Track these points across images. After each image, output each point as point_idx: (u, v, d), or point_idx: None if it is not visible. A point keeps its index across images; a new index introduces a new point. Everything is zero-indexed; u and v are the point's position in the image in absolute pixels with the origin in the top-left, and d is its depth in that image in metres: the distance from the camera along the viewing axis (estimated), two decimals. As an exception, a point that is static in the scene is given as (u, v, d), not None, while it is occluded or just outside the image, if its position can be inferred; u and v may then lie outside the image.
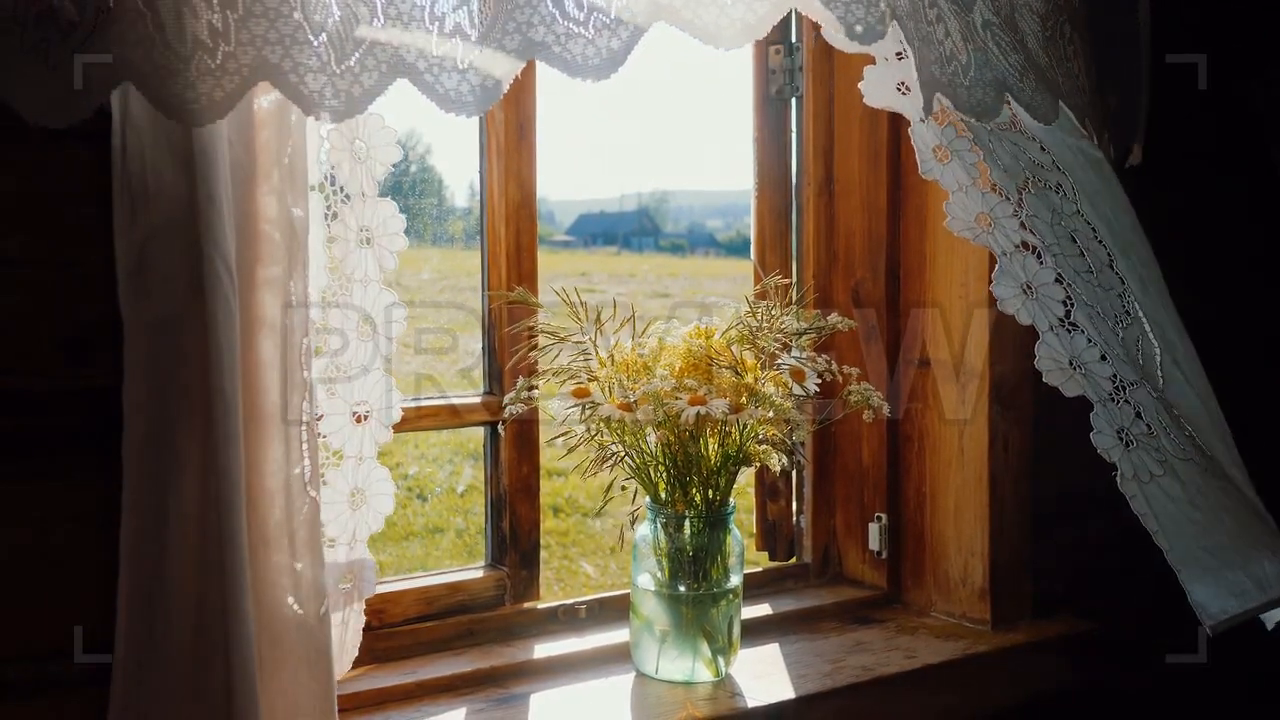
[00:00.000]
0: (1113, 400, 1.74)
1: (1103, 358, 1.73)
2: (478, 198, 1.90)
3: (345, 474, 1.54)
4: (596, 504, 4.36)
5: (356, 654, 1.60)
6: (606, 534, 4.33)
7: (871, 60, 1.72)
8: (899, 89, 1.71)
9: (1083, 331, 1.74)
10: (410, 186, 1.93)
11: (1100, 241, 1.74)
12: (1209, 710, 2.25)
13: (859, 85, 1.74)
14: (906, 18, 1.53)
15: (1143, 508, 1.74)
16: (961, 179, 1.73)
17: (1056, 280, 1.73)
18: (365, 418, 1.55)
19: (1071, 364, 1.74)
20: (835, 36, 1.52)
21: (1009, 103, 1.68)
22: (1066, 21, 1.78)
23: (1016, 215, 1.73)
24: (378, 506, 1.57)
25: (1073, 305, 1.74)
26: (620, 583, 3.88)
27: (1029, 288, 1.74)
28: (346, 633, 1.57)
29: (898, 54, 1.67)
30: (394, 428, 1.58)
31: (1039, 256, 1.73)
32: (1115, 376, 1.74)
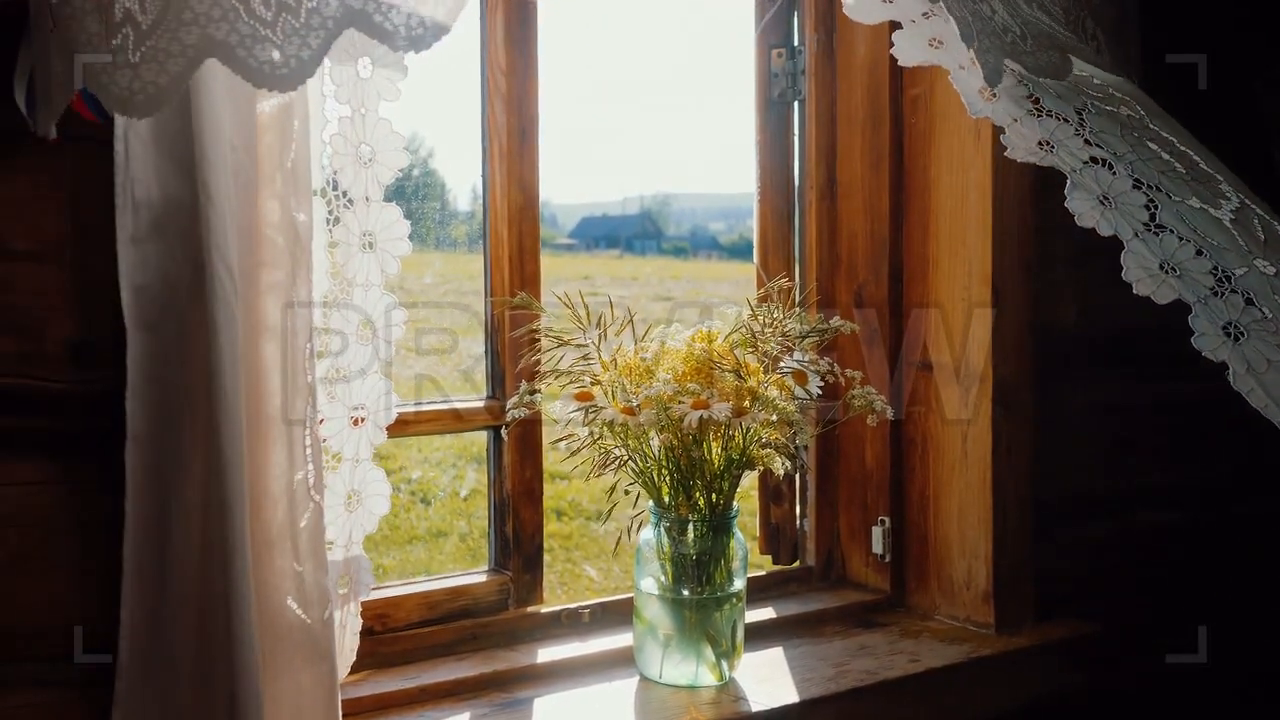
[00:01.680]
0: (1215, 295, 1.64)
1: (1199, 253, 1.65)
2: (480, 201, 1.90)
3: (343, 476, 1.54)
4: (599, 507, 4.36)
5: (354, 657, 1.59)
6: (609, 537, 4.32)
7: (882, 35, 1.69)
8: (931, 44, 1.67)
9: (1172, 231, 1.65)
10: (413, 190, 1.93)
11: (1183, 149, 1.68)
12: (1213, 713, 2.25)
13: (890, 51, 1.71)
14: None
15: (1262, 400, 1.64)
16: (1014, 111, 1.67)
17: (1135, 186, 1.66)
18: (362, 421, 1.55)
19: (1163, 268, 1.65)
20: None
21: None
22: (1089, 17, 1.77)
23: (1079, 134, 1.67)
24: (372, 508, 1.57)
25: (1157, 208, 1.65)
26: (623, 586, 3.87)
27: (1106, 199, 1.66)
28: (344, 635, 1.57)
29: (924, 14, 1.66)
30: (398, 431, 1.59)
31: (1110, 168, 1.66)
32: (1216, 269, 1.64)
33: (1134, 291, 1.66)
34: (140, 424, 1.29)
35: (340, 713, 1.45)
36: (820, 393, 1.79)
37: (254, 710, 1.31)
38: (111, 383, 1.33)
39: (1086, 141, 1.66)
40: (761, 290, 1.85)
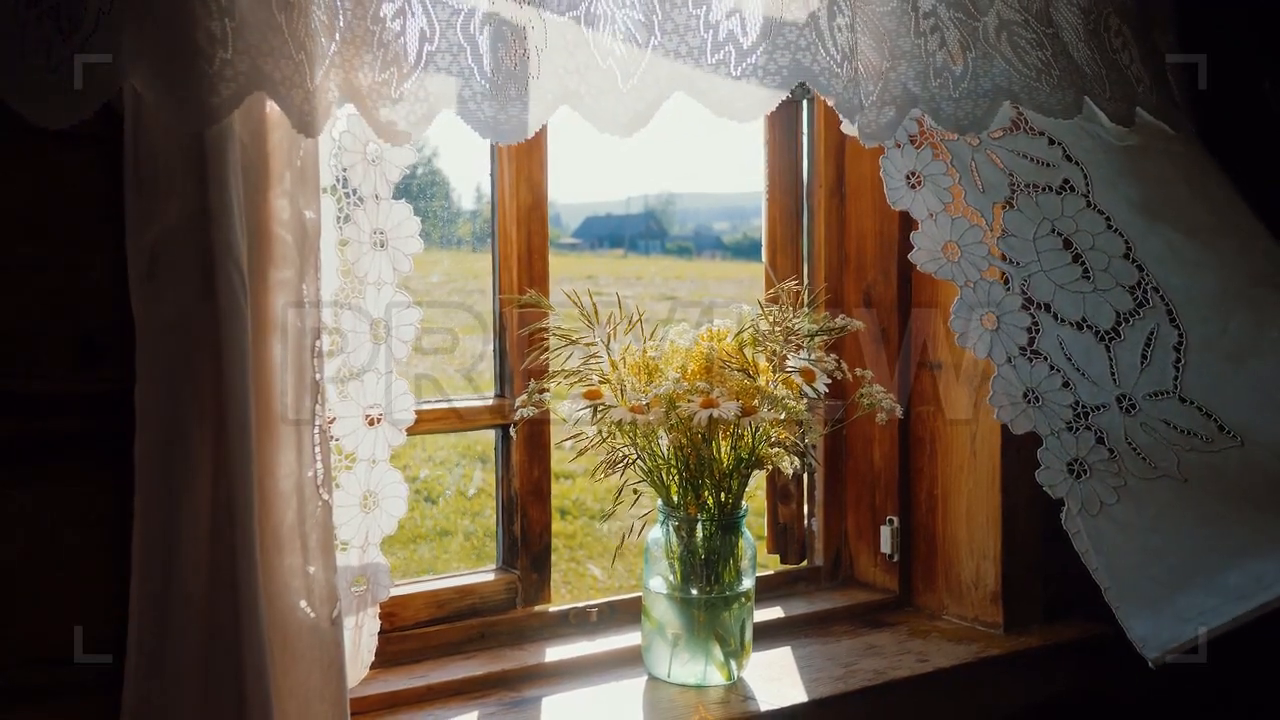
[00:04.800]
0: (1070, 430, 1.75)
1: (1065, 385, 1.74)
2: (484, 200, 1.90)
3: (358, 477, 1.54)
4: (603, 506, 4.35)
5: (372, 658, 1.59)
6: (614, 537, 4.31)
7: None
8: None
9: (1045, 359, 1.74)
10: (419, 190, 1.93)
11: (1116, 231, 1.73)
12: (1220, 712, 2.24)
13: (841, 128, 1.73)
14: (886, 36, 1.55)
15: (1083, 544, 1.75)
16: (933, 205, 1.74)
17: (1023, 307, 1.74)
18: (378, 420, 1.55)
19: (1026, 396, 1.75)
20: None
21: (1015, 106, 1.67)
22: (1113, 14, 1.77)
23: (987, 241, 1.74)
24: (390, 509, 1.57)
25: (1039, 332, 1.74)
26: (627, 585, 3.87)
27: (991, 318, 1.75)
28: (361, 636, 1.57)
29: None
30: (406, 430, 1.58)
31: (1006, 283, 1.74)
32: (1077, 404, 1.75)
33: (995, 418, 1.79)
34: (150, 424, 1.29)
35: (349, 712, 1.44)
36: (828, 390, 1.79)
37: (263, 711, 1.30)
38: (118, 383, 1.33)
39: (991, 249, 1.74)
40: (770, 290, 1.84)
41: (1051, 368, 1.74)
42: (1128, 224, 1.73)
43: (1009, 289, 1.74)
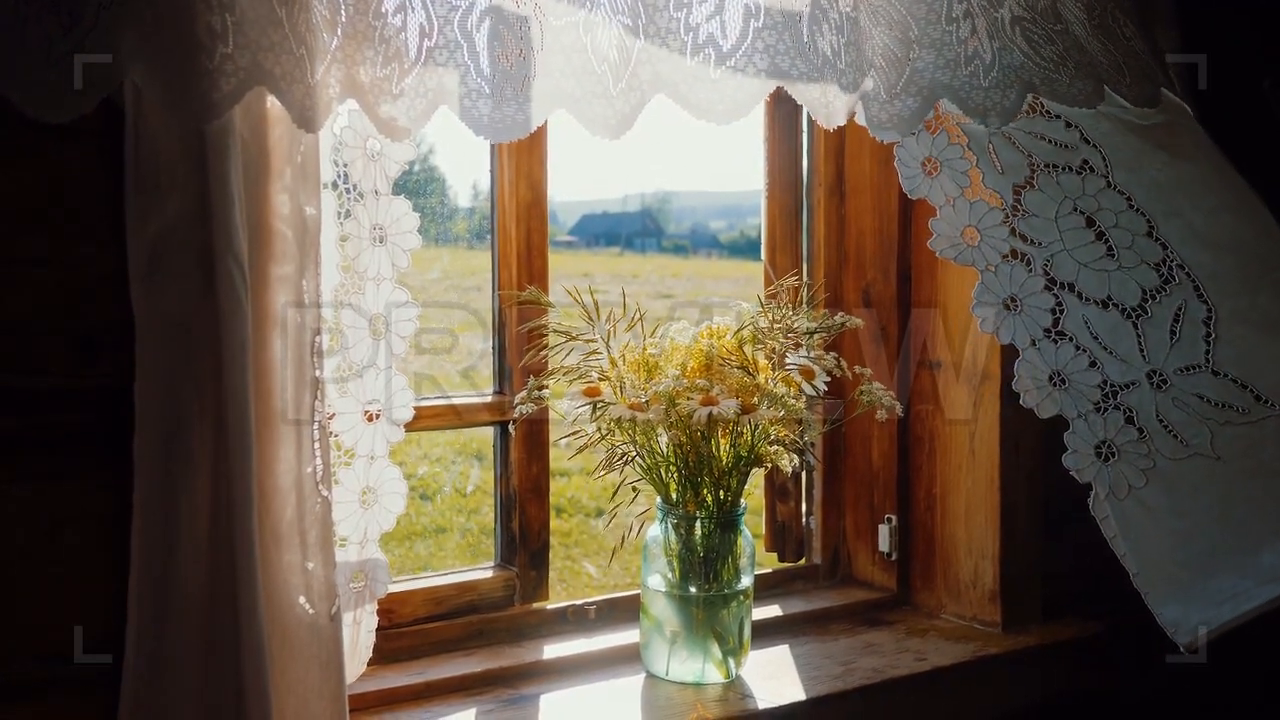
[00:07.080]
0: (1098, 411, 1.72)
1: (1092, 364, 1.72)
2: (481, 197, 1.89)
3: (357, 473, 1.54)
4: (599, 504, 4.35)
5: (369, 654, 1.59)
6: (609, 534, 4.31)
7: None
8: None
9: (1071, 339, 1.72)
10: (416, 186, 1.92)
11: (1138, 210, 1.71)
12: (1220, 712, 2.24)
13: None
14: (921, 20, 1.53)
15: (1112, 530, 1.72)
16: (950, 190, 1.72)
17: (1046, 288, 1.72)
18: (377, 416, 1.55)
19: (1052, 379, 1.72)
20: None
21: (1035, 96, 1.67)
22: (1116, 9, 1.77)
23: (1007, 222, 1.71)
24: (389, 505, 1.57)
25: (1063, 312, 1.72)
26: (622, 583, 3.87)
27: (1013, 301, 1.72)
28: (359, 632, 1.57)
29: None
30: (405, 427, 1.58)
31: (1028, 264, 1.72)
32: (1105, 383, 1.72)
33: (1021, 402, 1.74)
34: (149, 420, 1.29)
35: (347, 709, 1.44)
36: (826, 388, 1.79)
37: (262, 708, 1.30)
38: (118, 379, 1.32)
39: (1013, 231, 1.69)
40: (770, 288, 1.84)
41: (1077, 348, 1.71)
42: (1148, 204, 1.72)
43: (1031, 270, 1.71)
